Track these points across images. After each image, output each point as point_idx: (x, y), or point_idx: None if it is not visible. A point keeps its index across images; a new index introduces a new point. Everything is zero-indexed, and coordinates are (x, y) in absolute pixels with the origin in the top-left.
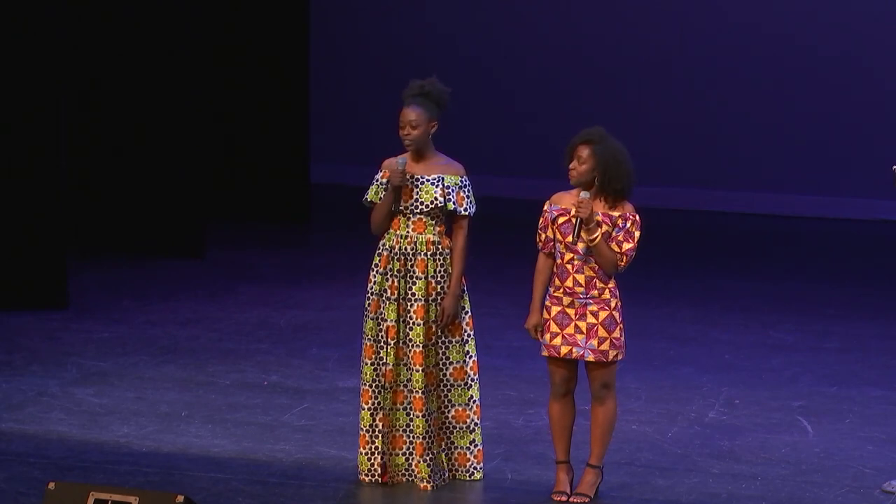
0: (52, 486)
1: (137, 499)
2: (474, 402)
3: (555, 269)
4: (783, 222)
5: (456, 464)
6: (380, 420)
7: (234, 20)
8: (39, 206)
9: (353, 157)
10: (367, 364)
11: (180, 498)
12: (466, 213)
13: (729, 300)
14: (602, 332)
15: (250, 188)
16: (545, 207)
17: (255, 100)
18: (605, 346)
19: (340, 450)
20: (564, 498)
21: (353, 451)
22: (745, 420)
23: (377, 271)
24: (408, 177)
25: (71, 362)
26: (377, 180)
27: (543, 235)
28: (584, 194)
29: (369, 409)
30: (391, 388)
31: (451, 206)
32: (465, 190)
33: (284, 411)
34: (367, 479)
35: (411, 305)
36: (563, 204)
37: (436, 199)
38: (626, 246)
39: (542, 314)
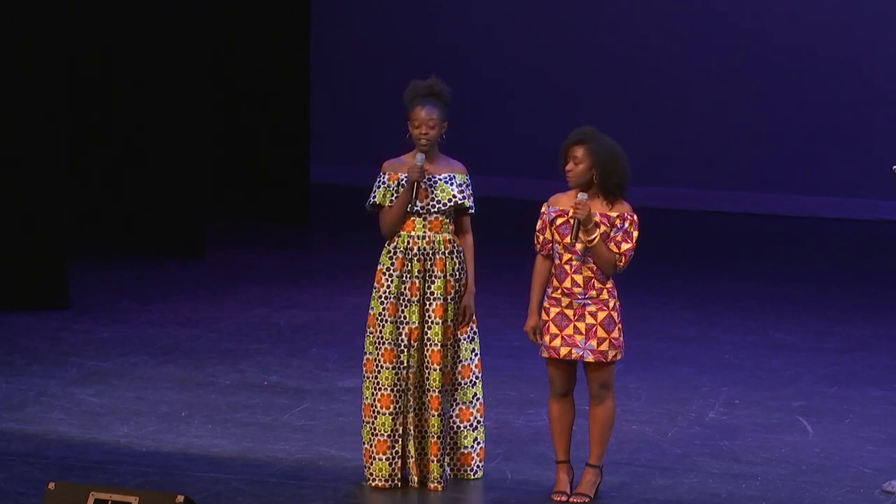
0: (52, 486)
1: (137, 499)
2: (478, 399)
3: (553, 271)
4: (783, 222)
5: (459, 463)
6: (400, 424)
7: (235, 20)
8: (39, 206)
9: (353, 157)
10: (387, 368)
11: (180, 498)
12: (473, 211)
13: (729, 300)
14: (601, 333)
15: (250, 188)
16: (543, 209)
17: (255, 100)
18: (604, 347)
19: (340, 450)
20: (564, 498)
21: (352, 450)
22: (745, 420)
23: (392, 274)
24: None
25: (71, 362)
26: (383, 183)
27: (542, 237)
28: (581, 196)
29: (391, 413)
30: (414, 389)
31: (466, 203)
32: (470, 188)
33: (284, 411)
34: (385, 485)
35: (430, 305)
36: (561, 205)
37: (454, 196)
38: (625, 246)
39: (540, 316)
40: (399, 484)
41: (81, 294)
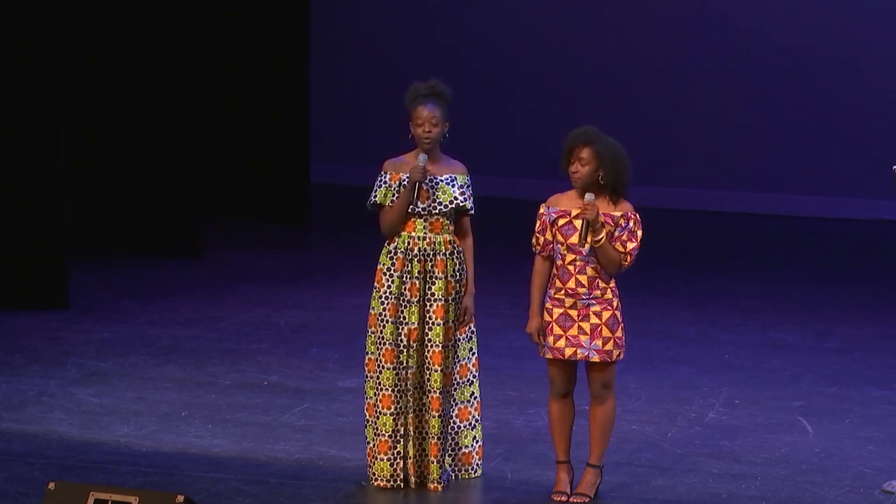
0: (52, 486)
1: (137, 499)
2: (475, 398)
3: (555, 271)
4: (783, 222)
5: (460, 463)
6: (401, 425)
7: (235, 20)
8: (39, 206)
9: (353, 157)
10: (388, 368)
11: (180, 498)
12: (473, 212)
13: (729, 300)
14: (606, 332)
15: (250, 188)
16: (541, 210)
17: (255, 100)
18: (609, 346)
19: (340, 450)
20: (564, 498)
21: (352, 450)
22: (745, 420)
23: (392, 275)
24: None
25: (71, 362)
26: (385, 182)
27: (542, 238)
28: (589, 196)
29: (392, 413)
30: (414, 390)
31: (468, 204)
32: (470, 189)
33: (284, 411)
34: (387, 485)
35: (431, 306)
36: (562, 206)
37: (455, 198)
38: (631, 245)
39: (542, 317)
40: (402, 484)
41: (81, 294)
